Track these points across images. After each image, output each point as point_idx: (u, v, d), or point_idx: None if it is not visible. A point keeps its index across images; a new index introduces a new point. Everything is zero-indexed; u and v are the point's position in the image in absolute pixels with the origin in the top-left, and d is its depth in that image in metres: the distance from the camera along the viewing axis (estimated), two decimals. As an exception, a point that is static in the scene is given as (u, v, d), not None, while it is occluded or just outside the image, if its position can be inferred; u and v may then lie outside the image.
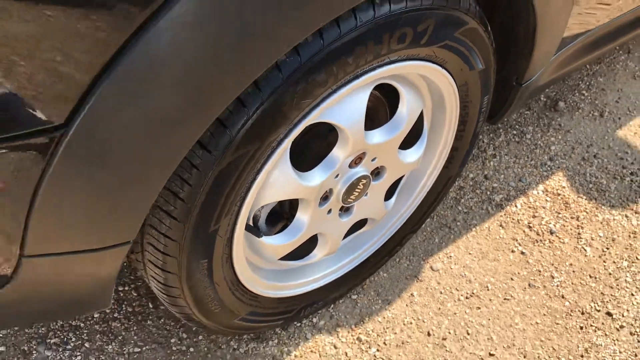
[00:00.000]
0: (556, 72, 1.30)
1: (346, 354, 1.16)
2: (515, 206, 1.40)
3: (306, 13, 0.67)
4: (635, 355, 1.19)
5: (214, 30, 0.62)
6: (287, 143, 0.82)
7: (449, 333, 1.20)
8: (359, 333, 1.19)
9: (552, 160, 1.49)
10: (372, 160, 0.98)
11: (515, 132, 1.55)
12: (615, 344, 1.20)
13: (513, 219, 1.38)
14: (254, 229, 0.93)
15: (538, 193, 1.43)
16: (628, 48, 1.79)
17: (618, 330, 1.22)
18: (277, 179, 0.86)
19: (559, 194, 1.43)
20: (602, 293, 1.27)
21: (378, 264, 1.22)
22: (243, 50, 0.65)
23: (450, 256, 1.31)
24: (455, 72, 0.96)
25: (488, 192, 1.42)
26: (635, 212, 1.40)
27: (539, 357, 1.18)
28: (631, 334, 1.21)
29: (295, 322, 1.18)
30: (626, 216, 1.40)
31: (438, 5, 0.82)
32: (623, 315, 1.24)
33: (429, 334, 1.20)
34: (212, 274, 0.90)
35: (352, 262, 1.15)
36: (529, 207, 1.40)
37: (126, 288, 1.22)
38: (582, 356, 1.18)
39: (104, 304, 0.89)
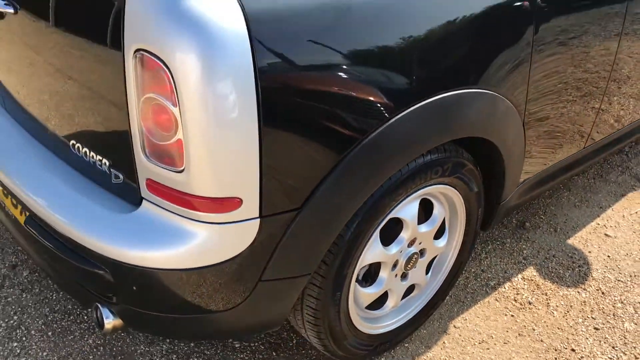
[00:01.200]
0: (521, 198, 2.07)
1: (406, 378, 1.78)
2: (504, 287, 2.09)
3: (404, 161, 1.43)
4: (593, 374, 1.82)
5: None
6: (379, 228, 1.54)
7: (471, 364, 1.83)
8: (412, 366, 1.82)
9: (526, 259, 2.21)
10: (419, 243, 1.69)
11: (498, 242, 2.29)
12: (579, 368, 1.84)
13: (504, 296, 2.06)
14: (359, 281, 1.62)
15: (518, 279, 2.13)
16: (569, 186, 2.60)
17: None
18: (373, 250, 1.56)
19: (532, 280, 2.13)
20: (567, 338, 1.93)
21: (421, 319, 1.88)
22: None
23: (465, 319, 1.97)
24: (462, 192, 1.71)
25: (485, 280, 2.12)
26: (584, 289, 2.10)
27: (530, 377, 1.81)
28: (588, 361, 1.86)
29: (373, 357, 1.80)
30: (578, 292, 2.09)
31: (454, 156, 1.59)
32: (582, 350, 1.89)
33: (458, 366, 1.83)
34: (340, 311, 1.57)
35: (407, 316, 1.81)
36: (513, 288, 2.09)
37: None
38: (558, 376, 1.81)
39: (277, 325, 1.53)
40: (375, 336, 1.75)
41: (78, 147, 1.42)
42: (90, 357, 1.80)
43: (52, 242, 1.45)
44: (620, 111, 2.23)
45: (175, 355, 1.81)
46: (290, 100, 1.21)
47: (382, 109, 1.33)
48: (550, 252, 2.26)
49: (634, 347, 1.90)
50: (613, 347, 1.90)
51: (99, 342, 1.84)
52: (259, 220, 1.28)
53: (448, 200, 1.73)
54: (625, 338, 1.93)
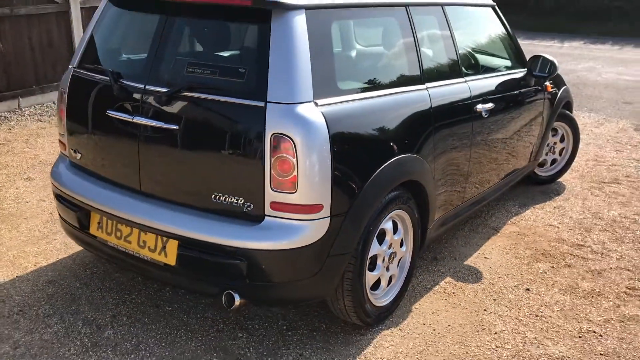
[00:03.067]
0: (436, 232, 3.41)
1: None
2: (437, 285, 3.36)
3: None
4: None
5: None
6: (377, 232, 2.78)
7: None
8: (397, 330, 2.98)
9: (443, 272, 3.52)
10: (393, 247, 2.94)
11: (423, 268, 3.59)
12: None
13: (437, 290, 3.32)
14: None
15: (442, 282, 3.41)
16: (460, 230, 4.02)
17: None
18: (374, 245, 2.79)
19: (450, 282, 3.42)
20: (478, 305, 3.21)
21: (398, 301, 3.06)
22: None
23: (420, 302, 3.19)
24: (411, 217, 3.02)
25: (425, 282, 3.38)
26: (479, 285, 3.43)
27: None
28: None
29: (379, 321, 2.94)
30: (478, 285, 3.41)
31: (405, 193, 2.92)
32: (488, 310, 3.17)
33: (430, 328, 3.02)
34: (363, 285, 2.74)
35: (392, 297, 3.00)
36: (441, 286, 3.37)
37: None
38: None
39: (326, 296, 2.66)
40: (378, 307, 2.92)
41: (219, 196, 2.55)
42: (199, 351, 2.75)
43: (206, 253, 2.52)
44: (478, 182, 3.74)
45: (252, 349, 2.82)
46: (345, 160, 2.51)
47: (380, 160, 2.66)
48: (455, 268, 3.59)
49: (511, 308, 3.22)
50: (495, 302, 3.21)
51: (199, 344, 2.80)
52: (329, 218, 2.50)
53: (404, 221, 3.03)
54: (503, 300, 3.26)
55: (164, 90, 2.58)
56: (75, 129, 3.04)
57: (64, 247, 3.68)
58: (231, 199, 2.53)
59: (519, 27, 16.36)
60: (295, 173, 2.40)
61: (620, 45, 14.13)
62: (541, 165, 5.05)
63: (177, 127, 2.59)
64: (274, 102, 2.40)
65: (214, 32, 2.77)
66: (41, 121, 6.50)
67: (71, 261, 3.53)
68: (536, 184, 5.02)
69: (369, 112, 2.70)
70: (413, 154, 2.91)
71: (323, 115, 2.44)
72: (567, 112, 5.01)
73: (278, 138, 2.39)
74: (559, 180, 5.14)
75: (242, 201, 2.51)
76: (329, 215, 2.49)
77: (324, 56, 2.55)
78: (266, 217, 2.48)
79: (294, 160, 2.39)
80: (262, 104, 2.41)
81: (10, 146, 5.62)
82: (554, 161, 5.11)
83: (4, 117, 6.52)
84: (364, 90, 2.76)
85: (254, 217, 2.50)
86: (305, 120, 2.39)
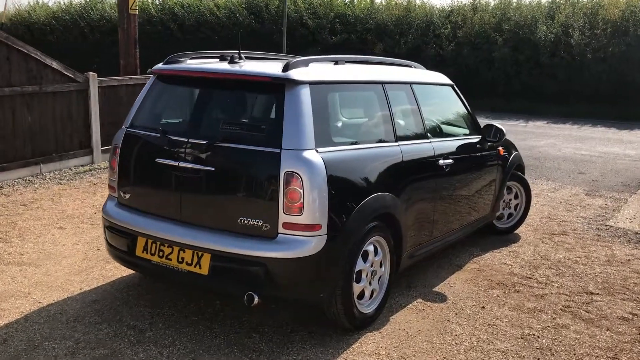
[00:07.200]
0: (408, 261, 4.24)
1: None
2: (410, 303, 4.16)
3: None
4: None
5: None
6: (361, 252, 3.61)
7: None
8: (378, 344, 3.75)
9: (414, 297, 4.32)
10: (374, 266, 3.77)
11: (397, 292, 4.39)
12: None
13: (409, 306, 4.12)
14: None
15: (413, 302, 4.21)
16: (429, 264, 4.85)
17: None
18: (360, 262, 3.62)
19: (419, 303, 4.22)
20: (444, 314, 4.01)
21: (379, 311, 3.85)
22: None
23: (395, 314, 3.98)
24: (387, 243, 3.86)
25: (398, 301, 4.17)
26: (444, 303, 4.24)
27: (432, 329, 3.83)
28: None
29: (366, 325, 3.71)
30: (443, 304, 4.22)
31: (383, 223, 3.78)
32: (451, 322, 3.97)
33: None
34: (351, 293, 3.54)
35: (374, 307, 3.79)
36: (412, 304, 4.16)
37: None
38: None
39: (323, 302, 3.47)
40: (363, 314, 3.71)
41: (243, 220, 3.38)
42: (222, 345, 3.50)
43: (233, 262, 3.33)
44: (443, 225, 4.61)
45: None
46: (338, 192, 3.38)
47: (363, 194, 3.55)
48: (425, 292, 4.40)
49: (472, 316, 4.02)
50: (457, 316, 4.01)
51: (222, 341, 3.55)
52: (326, 235, 3.34)
53: (383, 247, 3.87)
54: (462, 314, 4.06)
55: (204, 142, 3.47)
56: (125, 175, 3.89)
57: (102, 277, 4.45)
58: (253, 222, 3.37)
59: (489, 108, 17.83)
60: (301, 200, 3.26)
61: (579, 124, 15.48)
62: (499, 218, 5.96)
63: (214, 169, 3.46)
64: (287, 149, 3.29)
65: (242, 99, 3.71)
66: (61, 184, 7.32)
67: (110, 287, 4.29)
68: (496, 234, 5.90)
69: (355, 159, 3.61)
70: (389, 193, 3.79)
71: (322, 158, 3.33)
72: (519, 173, 5.98)
73: (290, 175, 3.27)
74: (515, 232, 6.03)
75: (262, 222, 3.35)
76: (326, 233, 3.34)
77: (323, 117, 3.47)
78: (279, 234, 3.32)
79: (301, 191, 3.26)
80: (278, 150, 3.30)
81: (39, 203, 6.42)
82: (510, 215, 6.03)
83: (29, 180, 7.35)
84: (352, 143, 3.69)
85: (270, 235, 3.34)
86: (309, 161, 3.27)
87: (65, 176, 7.67)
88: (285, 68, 3.44)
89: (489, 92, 18.22)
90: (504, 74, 18.23)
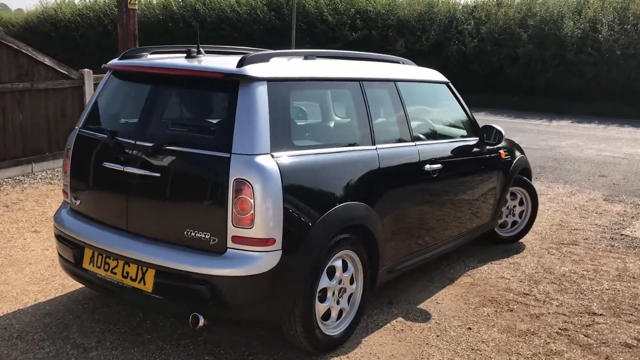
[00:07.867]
0: (386, 276, 3.86)
1: (345, 360, 3.34)
2: (389, 322, 3.78)
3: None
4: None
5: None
6: (326, 268, 3.25)
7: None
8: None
9: (395, 313, 3.94)
10: (343, 283, 3.40)
11: (377, 310, 4.01)
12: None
13: (387, 326, 3.74)
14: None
15: (393, 321, 3.82)
16: (411, 278, 4.45)
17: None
18: (324, 279, 3.25)
19: (400, 321, 3.84)
20: (425, 330, 3.62)
21: (350, 332, 3.48)
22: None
23: (370, 336, 3.60)
24: (360, 258, 3.49)
25: (377, 319, 3.80)
26: (428, 319, 3.84)
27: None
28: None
29: (332, 349, 3.35)
30: (432, 321, 3.83)
31: (355, 236, 3.41)
32: (433, 340, 3.58)
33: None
34: (313, 313, 3.18)
35: (343, 328, 3.43)
36: (390, 323, 3.78)
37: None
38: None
39: (276, 321, 3.11)
40: (329, 336, 3.34)
41: (190, 232, 3.05)
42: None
43: (176, 280, 2.99)
44: (430, 236, 4.21)
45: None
46: (295, 202, 3.02)
47: (327, 205, 3.17)
48: (408, 310, 4.01)
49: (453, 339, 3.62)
50: (438, 338, 3.61)
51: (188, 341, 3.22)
52: (281, 251, 2.98)
53: (354, 261, 3.50)
54: (444, 334, 3.66)
55: (150, 144, 3.14)
56: (76, 179, 3.59)
57: (62, 287, 4.16)
58: (200, 235, 3.03)
59: (512, 107, 17.22)
60: (252, 211, 2.91)
61: (606, 124, 14.81)
62: (503, 226, 5.52)
63: (159, 175, 3.13)
64: (237, 154, 2.94)
65: (194, 97, 3.37)
66: (51, 184, 7.10)
67: (67, 298, 4.00)
68: (498, 243, 5.47)
69: (321, 164, 3.23)
70: (362, 202, 3.41)
71: (277, 164, 2.97)
72: (525, 178, 5.53)
73: (240, 182, 2.91)
74: (520, 241, 5.59)
75: (209, 236, 3.01)
76: (280, 248, 2.98)
77: (282, 118, 3.11)
78: (228, 249, 2.97)
79: (252, 200, 2.90)
80: (227, 155, 2.95)
81: (22, 205, 6.19)
82: (514, 223, 5.59)
83: (18, 179, 7.14)
84: (318, 147, 3.31)
85: (218, 249, 2.99)
86: (261, 167, 2.92)
87: (56, 176, 7.44)
88: (241, 63, 3.08)
89: (513, 90, 17.61)
90: (529, 71, 17.61)
